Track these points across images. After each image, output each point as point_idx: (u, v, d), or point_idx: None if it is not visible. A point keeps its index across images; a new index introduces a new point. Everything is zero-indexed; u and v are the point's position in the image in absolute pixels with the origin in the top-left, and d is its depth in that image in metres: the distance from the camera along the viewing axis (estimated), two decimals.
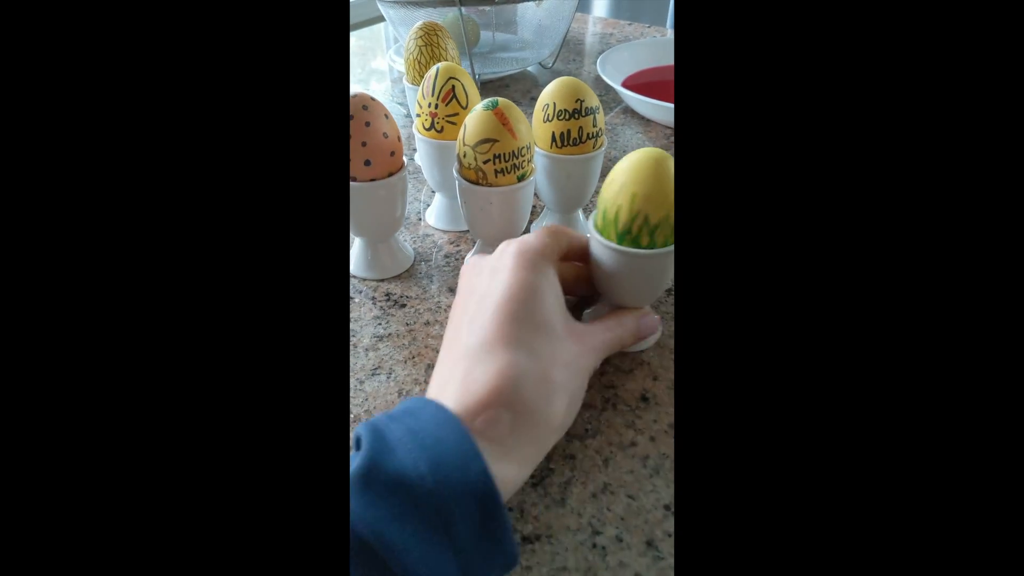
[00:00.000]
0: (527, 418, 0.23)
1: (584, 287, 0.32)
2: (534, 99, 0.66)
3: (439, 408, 0.22)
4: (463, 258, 0.41)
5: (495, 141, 0.33)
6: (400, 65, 0.72)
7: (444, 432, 0.21)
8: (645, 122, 0.61)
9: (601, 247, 0.29)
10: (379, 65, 0.82)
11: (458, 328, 0.27)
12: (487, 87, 0.69)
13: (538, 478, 0.27)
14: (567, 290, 0.30)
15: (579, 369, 0.26)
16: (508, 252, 0.28)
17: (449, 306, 0.37)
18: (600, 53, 0.68)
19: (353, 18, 1.43)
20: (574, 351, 0.26)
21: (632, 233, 0.28)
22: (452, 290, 0.38)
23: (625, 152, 0.55)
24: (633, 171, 0.27)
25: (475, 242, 0.40)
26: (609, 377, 0.32)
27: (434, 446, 0.20)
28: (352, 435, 0.23)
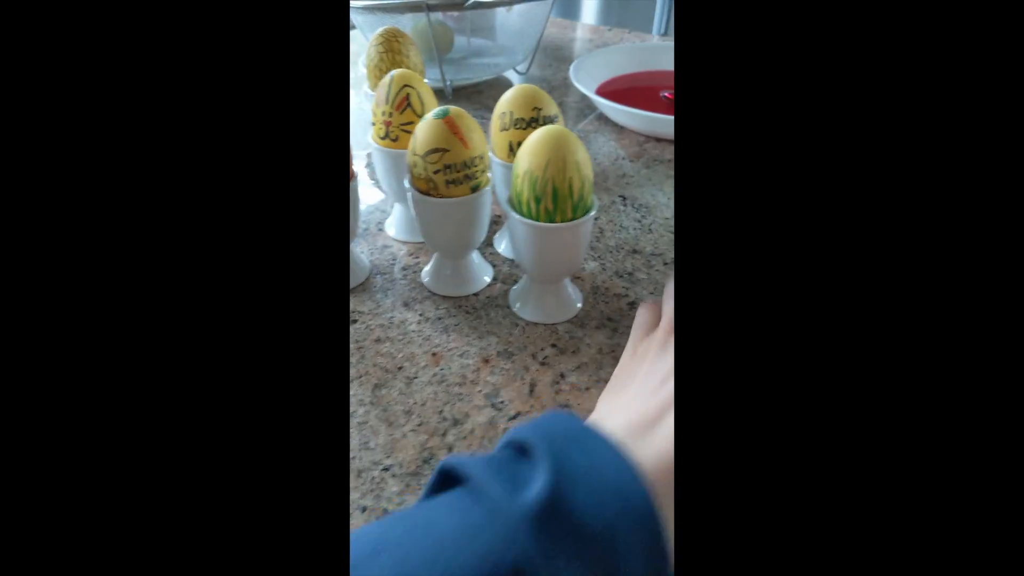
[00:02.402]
0: None
1: None
2: None
3: (620, 456, 0.19)
4: (421, 270, 0.39)
5: (445, 151, 0.32)
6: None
7: (625, 479, 0.18)
8: (619, 129, 0.60)
9: (516, 223, 0.32)
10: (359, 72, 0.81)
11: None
12: (460, 94, 0.68)
13: None
14: None
15: None
16: (659, 333, 0.28)
17: (403, 322, 0.35)
18: (572, 59, 0.67)
19: None
20: None
21: (541, 207, 0.30)
22: (407, 305, 0.37)
23: (597, 159, 0.54)
24: (535, 149, 0.30)
25: (433, 254, 0.39)
26: (564, 395, 0.31)
27: (614, 490, 0.18)
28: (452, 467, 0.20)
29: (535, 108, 0.35)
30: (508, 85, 0.72)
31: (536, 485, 0.17)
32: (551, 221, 0.31)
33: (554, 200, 0.30)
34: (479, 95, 0.68)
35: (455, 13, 0.69)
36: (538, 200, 0.30)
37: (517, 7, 0.64)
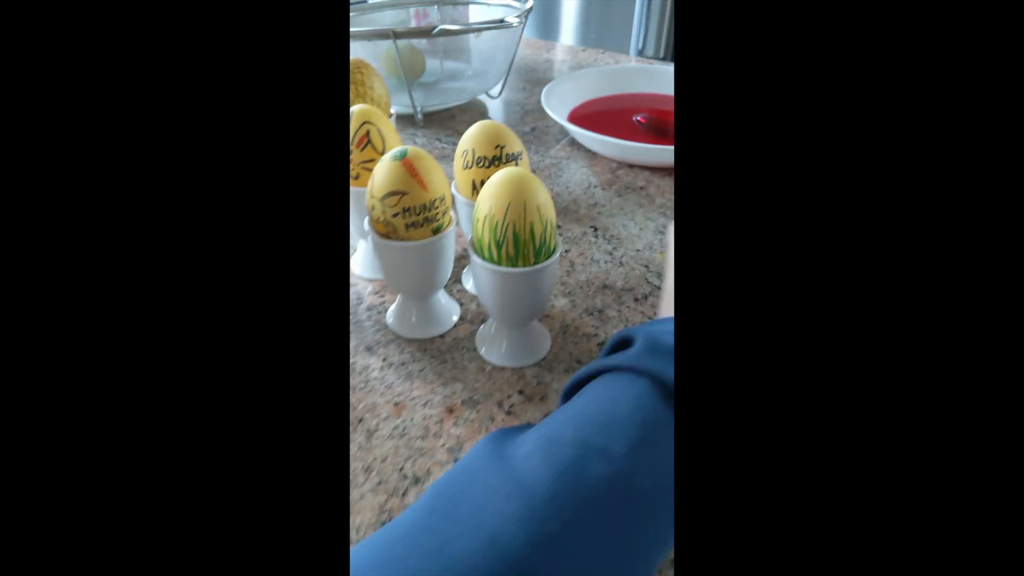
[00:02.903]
0: None
1: None
2: None
3: None
4: (387, 310, 0.38)
5: (404, 194, 0.30)
6: None
7: None
8: (591, 155, 0.59)
9: (478, 267, 0.31)
10: None
11: None
12: (431, 119, 0.67)
13: None
14: None
15: None
16: None
17: (366, 368, 0.34)
18: (547, 81, 0.67)
19: None
20: None
21: (502, 252, 0.29)
22: (370, 350, 0.35)
23: (568, 187, 0.54)
24: (494, 193, 0.29)
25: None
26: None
27: None
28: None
29: (497, 146, 0.34)
30: (482, 109, 0.71)
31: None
32: (513, 266, 0.30)
33: (515, 245, 0.29)
34: (451, 120, 0.67)
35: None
36: (499, 245, 0.29)
37: (488, 33, 0.63)
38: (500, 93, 0.72)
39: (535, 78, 0.82)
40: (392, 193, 0.30)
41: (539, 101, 0.72)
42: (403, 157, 0.30)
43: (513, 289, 0.30)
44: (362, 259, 0.42)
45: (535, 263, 0.30)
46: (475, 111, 0.70)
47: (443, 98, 0.68)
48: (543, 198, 0.29)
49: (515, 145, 0.35)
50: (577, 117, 0.63)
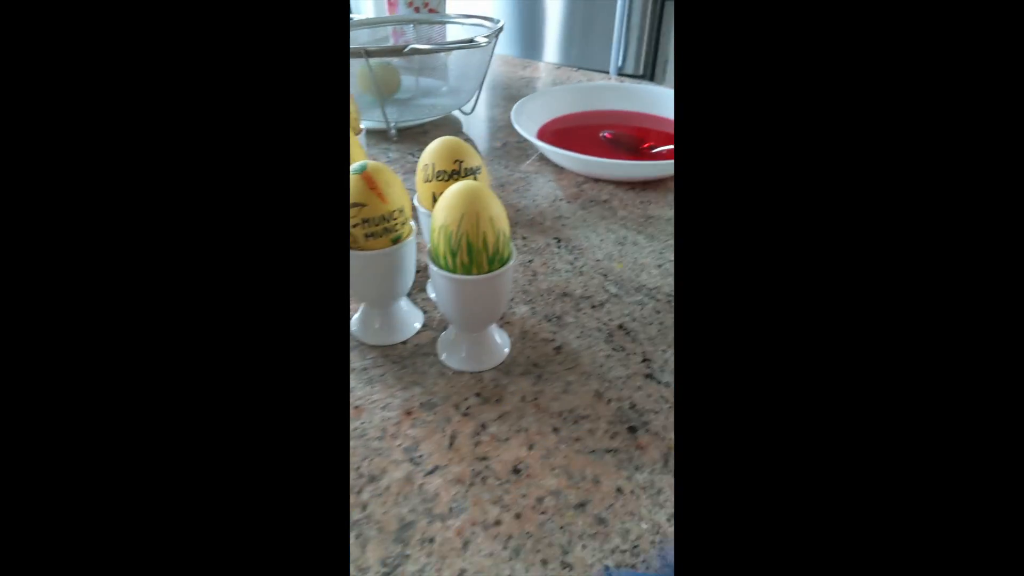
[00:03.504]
0: None
1: None
2: None
3: None
4: (351, 317, 0.39)
5: (363, 205, 0.32)
6: None
7: None
8: (559, 170, 0.61)
9: (435, 275, 0.32)
10: None
11: None
12: (406, 134, 0.69)
13: (391, 567, 0.25)
14: None
15: None
16: None
17: None
18: (519, 98, 0.69)
19: None
20: None
21: (457, 260, 0.31)
22: None
23: (536, 200, 0.55)
24: (449, 204, 0.31)
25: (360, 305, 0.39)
26: (484, 447, 0.31)
27: None
28: None
29: (456, 161, 0.36)
30: (456, 124, 0.73)
31: None
32: (468, 273, 0.31)
33: (469, 254, 0.31)
34: (424, 135, 0.69)
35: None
36: (454, 254, 0.31)
37: (458, 51, 0.65)
38: (473, 109, 0.74)
39: (510, 95, 0.84)
40: (352, 205, 0.32)
41: (509, 118, 0.75)
42: (363, 171, 0.32)
43: (468, 296, 0.32)
44: None
45: (489, 271, 0.31)
46: (449, 127, 0.72)
47: (418, 114, 0.70)
48: (496, 210, 0.31)
49: (474, 160, 0.37)
50: (547, 133, 0.66)
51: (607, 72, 1.84)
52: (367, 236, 0.32)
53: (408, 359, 0.36)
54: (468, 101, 0.73)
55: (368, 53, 0.56)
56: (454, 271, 0.31)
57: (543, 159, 0.63)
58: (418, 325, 0.39)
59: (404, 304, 0.39)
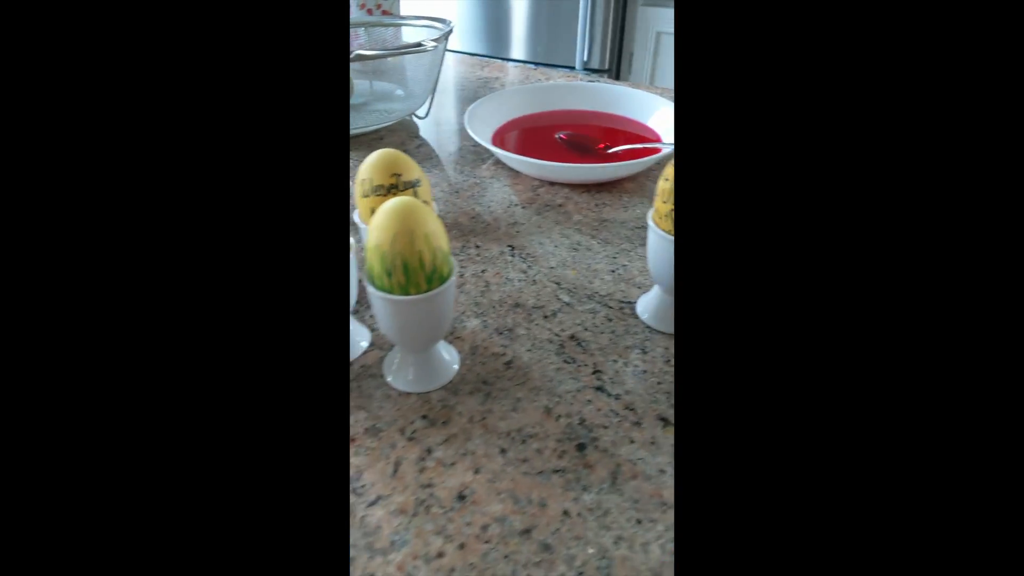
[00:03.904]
0: None
1: None
2: (408, 152, 0.65)
3: None
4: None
5: None
6: None
7: None
8: (515, 174, 0.60)
9: (373, 296, 0.31)
10: None
11: None
12: (360, 141, 0.67)
13: None
14: None
15: None
16: None
17: None
18: (476, 100, 0.68)
19: None
20: None
21: (393, 280, 0.30)
22: None
23: (490, 206, 0.54)
24: (381, 224, 0.30)
25: None
26: (428, 473, 0.30)
27: None
28: None
29: (394, 174, 0.35)
30: (411, 129, 0.71)
31: None
32: (405, 294, 0.30)
33: (405, 273, 0.29)
34: (379, 142, 0.67)
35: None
36: (389, 274, 0.30)
37: (411, 56, 0.63)
38: (427, 114, 0.72)
39: (466, 96, 0.83)
40: None
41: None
42: None
43: (407, 317, 0.31)
44: None
45: (428, 290, 0.30)
46: (404, 132, 0.71)
47: (372, 119, 0.69)
48: (432, 226, 0.30)
49: (413, 172, 0.35)
50: (502, 134, 0.64)
51: (574, 68, 1.84)
52: None
53: (354, 381, 0.35)
54: (422, 104, 0.72)
55: None
56: (391, 291, 0.30)
57: (499, 163, 0.62)
58: (365, 344, 0.38)
59: (351, 323, 0.38)
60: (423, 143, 0.68)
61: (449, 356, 0.36)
